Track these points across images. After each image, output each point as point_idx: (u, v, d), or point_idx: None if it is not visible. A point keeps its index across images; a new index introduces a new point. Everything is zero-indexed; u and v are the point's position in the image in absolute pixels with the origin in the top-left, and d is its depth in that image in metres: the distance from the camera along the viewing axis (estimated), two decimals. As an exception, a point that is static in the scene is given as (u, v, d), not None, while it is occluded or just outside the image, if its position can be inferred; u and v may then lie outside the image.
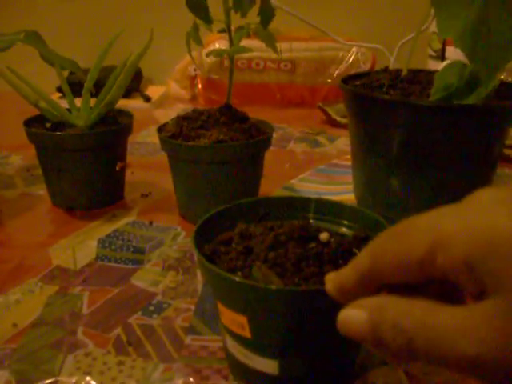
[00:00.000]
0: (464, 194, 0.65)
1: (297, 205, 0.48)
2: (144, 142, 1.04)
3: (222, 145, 0.64)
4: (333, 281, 0.32)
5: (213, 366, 0.46)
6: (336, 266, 0.40)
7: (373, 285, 0.30)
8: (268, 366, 0.40)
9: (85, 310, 0.53)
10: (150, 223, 0.71)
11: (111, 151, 0.74)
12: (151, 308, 0.54)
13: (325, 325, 0.39)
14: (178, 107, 1.29)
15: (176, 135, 0.66)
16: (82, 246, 0.65)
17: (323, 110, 1.15)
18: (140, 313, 0.53)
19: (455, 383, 0.44)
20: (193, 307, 0.54)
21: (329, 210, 0.48)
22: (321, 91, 1.27)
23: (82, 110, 0.74)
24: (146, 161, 0.94)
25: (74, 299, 0.55)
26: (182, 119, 0.69)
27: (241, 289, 0.37)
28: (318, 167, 0.86)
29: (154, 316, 0.52)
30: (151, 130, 1.10)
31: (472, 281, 0.26)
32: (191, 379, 0.44)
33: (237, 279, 0.37)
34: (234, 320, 0.39)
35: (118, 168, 0.75)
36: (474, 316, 0.25)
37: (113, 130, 0.73)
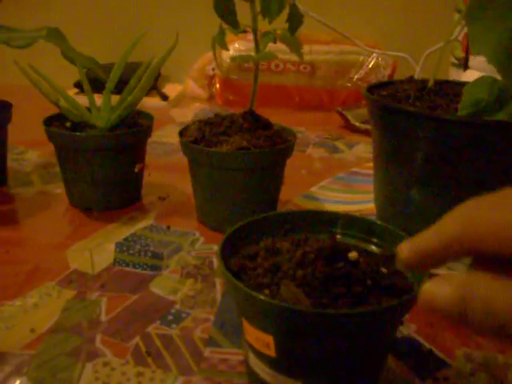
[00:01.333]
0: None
1: (324, 219, 0.48)
2: (160, 142, 1.03)
3: (245, 152, 0.63)
4: (410, 244, 0.31)
5: (233, 381, 0.45)
6: (364, 287, 0.39)
7: (459, 253, 0.29)
8: (291, 385, 0.40)
9: (103, 317, 0.53)
10: (168, 228, 0.70)
11: (131, 153, 0.73)
12: (170, 317, 0.53)
13: (352, 347, 0.38)
14: (194, 106, 1.29)
15: (198, 140, 0.66)
16: (99, 249, 0.65)
17: (342, 115, 1.14)
18: (159, 322, 0.52)
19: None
20: (212, 317, 0.53)
21: (356, 226, 0.47)
22: (340, 95, 1.26)
23: (102, 110, 0.73)
24: (163, 162, 0.94)
25: (92, 305, 0.55)
26: (204, 124, 0.68)
27: (268, 308, 0.36)
28: (337, 175, 0.85)
29: (173, 326, 0.52)
30: (168, 129, 1.10)
31: None
32: (211, 394, 0.44)
33: (263, 298, 0.36)
34: (259, 338, 0.38)
35: (136, 170, 0.75)
36: None
37: (133, 131, 0.72)
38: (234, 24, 0.61)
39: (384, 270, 0.42)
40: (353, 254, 0.40)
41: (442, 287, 0.29)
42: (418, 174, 0.63)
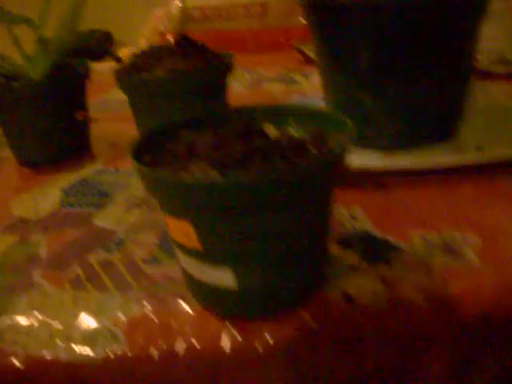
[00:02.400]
0: (439, 103, 0.61)
1: (244, 113, 0.45)
2: (115, 99, 1.00)
3: (178, 72, 0.60)
4: None
5: (171, 291, 0.43)
6: (287, 160, 0.36)
7: None
8: (224, 279, 0.37)
9: (44, 254, 0.50)
10: (117, 169, 0.68)
11: (70, 99, 0.71)
12: (112, 245, 0.51)
13: (284, 223, 0.35)
14: (151, 66, 1.25)
15: (131, 70, 0.63)
16: (45, 196, 0.62)
17: (299, 50, 1.11)
18: (100, 250, 0.50)
19: (438, 285, 0.41)
20: (157, 241, 0.51)
21: (277, 114, 0.43)
22: (296, 32, 1.23)
23: (34, 59, 0.70)
24: (115, 115, 0.91)
25: (33, 245, 0.52)
26: (135, 56, 0.66)
27: (179, 186, 0.33)
28: (291, 100, 0.82)
29: (115, 252, 0.49)
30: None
31: None
32: (145, 302, 0.41)
33: (173, 177, 0.34)
34: (179, 228, 0.36)
35: (81, 118, 0.72)
36: None
37: (69, 75, 0.69)
38: None
39: (311, 148, 0.39)
40: (270, 128, 0.38)
41: None
42: (362, 75, 0.60)
